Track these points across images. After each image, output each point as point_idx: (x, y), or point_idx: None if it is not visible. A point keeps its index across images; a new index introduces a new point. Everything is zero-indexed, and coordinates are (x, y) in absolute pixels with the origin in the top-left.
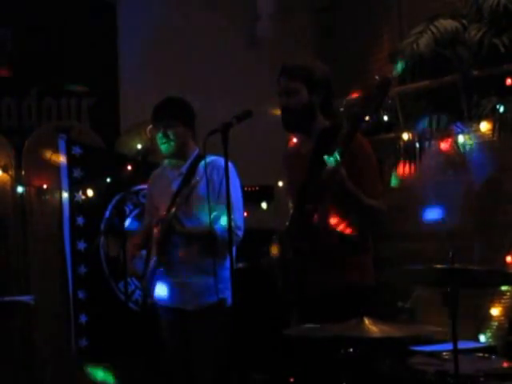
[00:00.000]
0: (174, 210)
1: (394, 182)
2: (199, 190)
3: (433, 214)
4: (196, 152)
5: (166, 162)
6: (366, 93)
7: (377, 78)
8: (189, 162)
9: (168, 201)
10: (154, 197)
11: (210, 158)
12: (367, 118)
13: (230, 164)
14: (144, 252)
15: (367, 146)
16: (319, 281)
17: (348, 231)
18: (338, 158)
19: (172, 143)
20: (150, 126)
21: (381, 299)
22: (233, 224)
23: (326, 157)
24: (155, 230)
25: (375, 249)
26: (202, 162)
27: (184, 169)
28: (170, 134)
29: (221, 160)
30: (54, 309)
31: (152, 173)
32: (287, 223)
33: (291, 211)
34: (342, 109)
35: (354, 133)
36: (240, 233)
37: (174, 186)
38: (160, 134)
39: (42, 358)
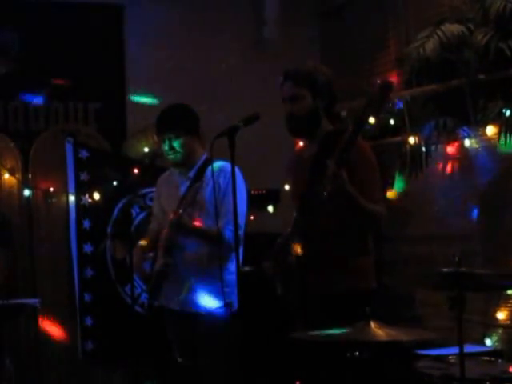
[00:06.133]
0: (180, 211)
1: (400, 186)
2: (205, 194)
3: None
4: (204, 157)
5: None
6: (367, 97)
7: (378, 82)
8: (196, 166)
9: (175, 205)
10: (162, 200)
11: (217, 163)
12: (372, 121)
13: (236, 169)
14: (151, 255)
15: (368, 149)
16: (320, 284)
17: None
18: (340, 161)
19: (179, 154)
20: None
21: (385, 302)
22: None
23: (327, 161)
24: (163, 233)
25: (380, 252)
26: (210, 167)
27: (192, 173)
28: (176, 145)
29: (228, 165)
30: (60, 311)
31: (159, 177)
32: (290, 227)
33: (294, 215)
34: (343, 113)
35: (355, 137)
36: (240, 231)
37: (182, 190)
38: (166, 147)
39: (48, 360)
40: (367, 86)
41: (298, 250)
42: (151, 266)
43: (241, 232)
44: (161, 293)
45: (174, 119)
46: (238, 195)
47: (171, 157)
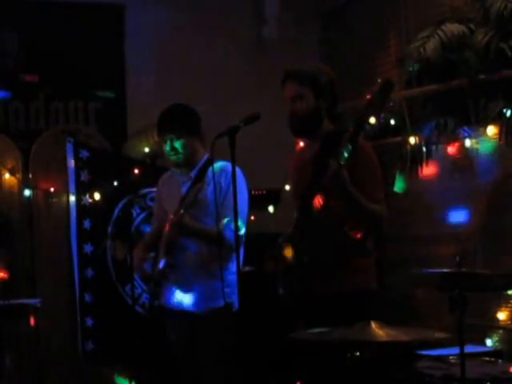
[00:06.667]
0: (181, 211)
1: (400, 186)
2: (206, 194)
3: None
4: (205, 157)
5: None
6: (368, 96)
7: (379, 80)
8: (198, 166)
9: (176, 205)
10: (163, 200)
11: (218, 164)
12: (373, 121)
13: (237, 168)
14: (152, 255)
15: (369, 149)
16: (320, 284)
17: (349, 234)
18: (341, 160)
19: (180, 155)
20: None
21: (385, 302)
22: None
23: (329, 160)
24: (164, 232)
25: (380, 252)
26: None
27: (193, 173)
28: (178, 146)
29: (229, 165)
30: (60, 312)
31: (161, 177)
32: (291, 227)
33: (295, 215)
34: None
35: (356, 136)
36: (241, 232)
37: (183, 190)
38: (168, 147)
39: (49, 360)
40: (368, 85)
41: (298, 250)
42: (152, 266)
43: (242, 232)
44: (162, 293)
45: (175, 119)
46: (239, 195)
47: (173, 157)
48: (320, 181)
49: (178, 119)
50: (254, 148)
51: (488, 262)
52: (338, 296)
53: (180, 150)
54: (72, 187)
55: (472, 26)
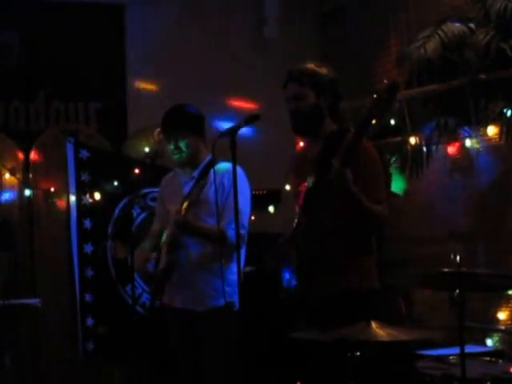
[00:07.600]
0: (183, 211)
1: (400, 186)
2: (209, 194)
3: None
4: (208, 157)
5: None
6: (374, 97)
7: (385, 81)
8: (201, 166)
9: (179, 204)
10: (165, 200)
11: (223, 165)
12: (374, 121)
13: (240, 169)
14: (154, 255)
15: (372, 150)
16: (322, 284)
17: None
18: (345, 161)
19: (184, 154)
20: (158, 129)
21: (385, 302)
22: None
23: (332, 160)
24: (166, 231)
25: (380, 252)
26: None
27: (196, 173)
28: (182, 145)
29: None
30: (60, 312)
31: (163, 177)
32: (292, 227)
33: (297, 215)
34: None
35: (360, 136)
36: (243, 231)
37: (186, 190)
38: (172, 147)
39: (49, 360)
40: (370, 85)
41: (300, 250)
42: (155, 266)
43: (244, 232)
44: (164, 291)
45: (180, 119)
46: (242, 196)
47: (176, 156)
48: (323, 180)
49: (183, 119)
50: (254, 148)
51: (488, 261)
52: (339, 296)
53: (184, 149)
54: (72, 187)
55: (472, 25)
